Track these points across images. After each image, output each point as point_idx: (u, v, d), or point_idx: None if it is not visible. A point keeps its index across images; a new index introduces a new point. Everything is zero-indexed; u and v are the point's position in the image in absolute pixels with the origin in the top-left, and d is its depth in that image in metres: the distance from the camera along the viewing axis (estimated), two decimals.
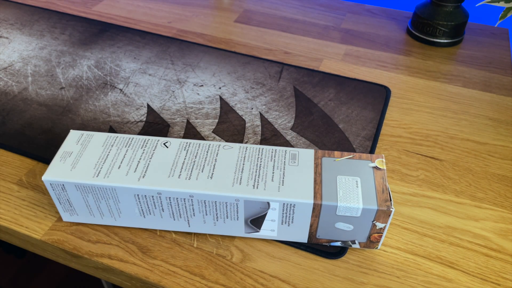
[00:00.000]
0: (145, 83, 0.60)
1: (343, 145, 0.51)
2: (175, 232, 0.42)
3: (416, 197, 0.46)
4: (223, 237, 0.41)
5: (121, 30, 0.70)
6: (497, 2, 0.71)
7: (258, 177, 0.37)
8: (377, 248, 0.39)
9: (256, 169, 0.38)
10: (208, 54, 0.66)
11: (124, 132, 0.52)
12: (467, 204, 0.45)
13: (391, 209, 0.35)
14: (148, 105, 0.56)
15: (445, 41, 0.70)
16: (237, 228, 0.39)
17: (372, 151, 0.50)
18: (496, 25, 0.73)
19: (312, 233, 0.39)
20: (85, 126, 0.53)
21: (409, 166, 0.49)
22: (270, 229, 0.39)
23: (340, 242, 0.39)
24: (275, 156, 0.39)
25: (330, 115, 0.55)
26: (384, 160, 0.39)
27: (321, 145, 0.51)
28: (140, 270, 0.39)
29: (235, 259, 0.40)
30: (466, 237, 0.42)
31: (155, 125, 0.53)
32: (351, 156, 0.39)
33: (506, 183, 0.47)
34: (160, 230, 0.42)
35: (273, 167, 0.38)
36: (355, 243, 0.39)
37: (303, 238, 0.39)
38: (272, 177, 0.37)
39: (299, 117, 0.55)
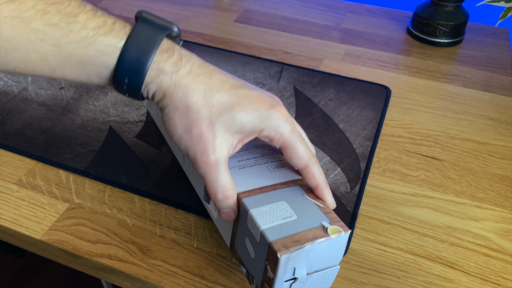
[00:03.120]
0: None
1: (343, 145, 0.51)
2: (175, 232, 0.42)
3: (416, 197, 0.46)
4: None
5: None
6: (497, 2, 0.71)
7: None
8: None
9: None
10: (208, 54, 0.66)
11: (124, 132, 0.52)
12: (468, 204, 0.45)
13: (279, 256, 0.28)
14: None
15: (446, 41, 0.70)
16: (201, 189, 0.40)
17: (372, 151, 0.50)
18: (496, 25, 0.73)
19: (233, 236, 0.35)
20: (84, 126, 0.53)
21: (409, 166, 0.49)
22: (213, 208, 0.38)
23: (245, 270, 0.34)
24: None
25: (330, 115, 0.55)
26: (342, 233, 0.30)
27: (321, 145, 0.51)
28: (140, 270, 0.39)
29: (235, 260, 0.39)
30: (466, 237, 0.42)
31: (155, 125, 0.53)
32: (321, 205, 0.33)
33: (507, 183, 0.47)
34: (160, 230, 0.42)
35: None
36: (253, 284, 0.33)
37: (228, 239, 0.37)
38: None
39: (299, 117, 0.55)
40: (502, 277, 0.39)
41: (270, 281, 0.30)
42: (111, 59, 0.32)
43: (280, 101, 0.36)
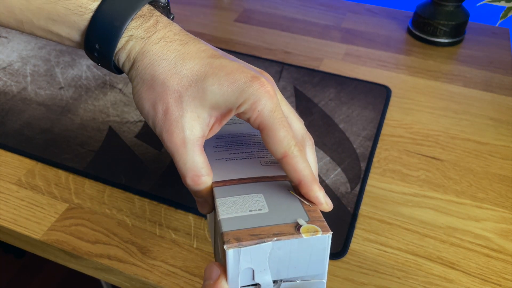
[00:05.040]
0: None
1: (344, 145, 0.51)
2: (175, 233, 0.41)
3: (417, 198, 0.45)
4: None
5: None
6: (498, 2, 0.71)
7: None
8: None
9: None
10: None
11: (123, 132, 0.52)
12: (468, 205, 0.45)
13: (225, 248, 0.23)
14: None
15: (446, 40, 0.70)
16: None
17: (372, 151, 0.50)
18: (497, 25, 0.73)
19: (212, 237, 0.32)
20: (84, 126, 0.53)
21: (409, 166, 0.49)
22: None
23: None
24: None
25: (331, 115, 0.55)
26: (319, 234, 0.24)
27: (322, 145, 0.51)
28: (139, 270, 0.38)
29: None
30: (467, 237, 0.42)
31: None
32: (306, 203, 0.27)
33: (507, 183, 0.47)
34: (160, 231, 0.42)
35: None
36: None
37: (212, 240, 0.33)
38: None
39: None
40: (502, 277, 0.39)
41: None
42: (82, 21, 0.29)
43: (270, 79, 0.30)
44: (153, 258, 0.39)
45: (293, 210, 0.26)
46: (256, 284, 0.25)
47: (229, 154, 0.32)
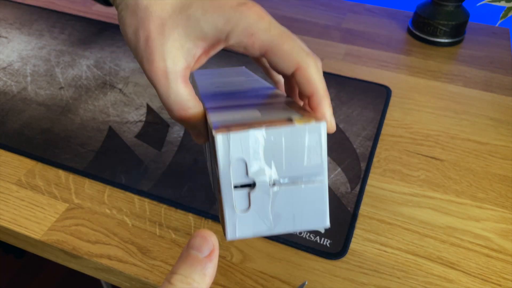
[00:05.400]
0: (145, 83, 0.60)
1: (344, 145, 0.51)
2: (175, 233, 0.41)
3: (417, 197, 0.45)
4: (223, 237, 0.41)
5: None
6: (498, 2, 0.71)
7: None
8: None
9: None
10: None
11: (123, 132, 0.52)
12: (468, 205, 0.45)
13: (214, 134, 0.22)
14: (147, 105, 0.56)
15: (446, 40, 0.70)
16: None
17: (372, 151, 0.50)
18: (497, 25, 0.73)
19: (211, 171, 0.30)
20: (84, 126, 0.53)
21: (410, 166, 0.49)
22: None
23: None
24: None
25: None
26: (312, 122, 0.23)
27: None
28: (139, 270, 0.38)
29: (235, 260, 0.39)
30: (467, 237, 0.42)
31: (154, 125, 0.53)
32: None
33: (507, 183, 0.47)
34: (160, 231, 0.42)
35: None
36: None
37: (211, 176, 0.32)
38: None
39: None
40: (502, 277, 0.39)
41: (219, 185, 0.23)
42: None
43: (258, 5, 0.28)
44: (153, 258, 0.39)
45: (286, 112, 0.25)
46: (251, 185, 0.23)
47: (225, 90, 0.30)
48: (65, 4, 0.79)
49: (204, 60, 0.28)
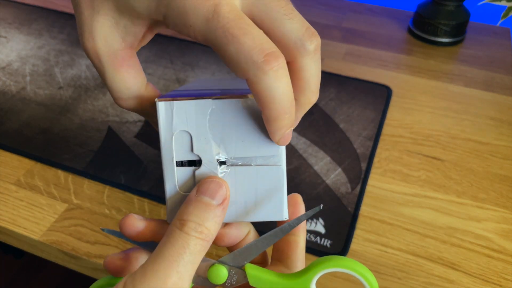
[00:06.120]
0: None
1: (344, 145, 0.51)
2: None
3: (418, 198, 0.45)
4: None
5: None
6: (498, 1, 0.71)
7: None
8: None
9: None
10: (207, 54, 0.66)
11: (123, 132, 0.52)
12: (469, 205, 0.45)
13: (156, 100, 0.21)
14: None
15: (447, 40, 0.69)
16: None
17: (373, 151, 0.50)
18: (497, 24, 0.72)
19: None
20: (83, 126, 0.52)
21: (410, 166, 0.49)
22: None
23: None
24: None
25: (331, 115, 0.55)
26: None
27: (322, 145, 0.50)
28: None
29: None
30: (467, 238, 0.42)
31: None
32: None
33: (508, 183, 0.47)
34: None
35: None
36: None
37: None
38: None
39: None
40: (503, 278, 0.38)
41: (162, 161, 0.21)
42: None
43: None
44: None
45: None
46: (195, 161, 0.21)
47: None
48: (64, 4, 0.79)
49: (149, 37, 0.23)
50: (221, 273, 0.23)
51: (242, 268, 0.23)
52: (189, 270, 0.20)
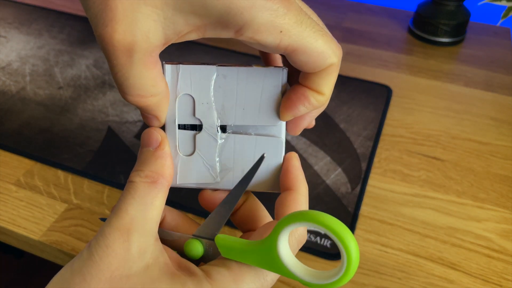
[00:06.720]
0: None
1: (344, 145, 0.51)
2: None
3: (418, 198, 0.45)
4: None
5: None
6: (499, 1, 0.71)
7: None
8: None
9: None
10: (207, 53, 0.66)
11: (123, 132, 0.51)
12: (469, 205, 0.45)
13: (164, 63, 0.21)
14: None
15: (447, 40, 0.69)
16: None
17: (373, 151, 0.50)
18: (498, 24, 0.72)
19: None
20: (83, 126, 0.52)
21: (410, 166, 0.49)
22: None
23: None
24: None
25: (331, 115, 0.55)
26: (270, 67, 0.22)
27: (322, 145, 0.50)
28: None
29: None
30: (468, 238, 0.42)
31: None
32: None
33: (509, 183, 0.47)
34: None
35: None
36: None
37: None
38: None
39: None
40: (503, 278, 0.38)
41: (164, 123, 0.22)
42: None
43: None
44: None
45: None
46: (196, 126, 0.21)
47: None
48: (64, 4, 0.78)
49: (192, 37, 0.20)
50: (196, 248, 0.23)
51: (214, 240, 0.23)
52: (142, 211, 0.22)
